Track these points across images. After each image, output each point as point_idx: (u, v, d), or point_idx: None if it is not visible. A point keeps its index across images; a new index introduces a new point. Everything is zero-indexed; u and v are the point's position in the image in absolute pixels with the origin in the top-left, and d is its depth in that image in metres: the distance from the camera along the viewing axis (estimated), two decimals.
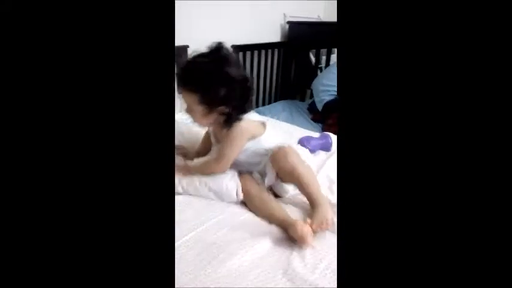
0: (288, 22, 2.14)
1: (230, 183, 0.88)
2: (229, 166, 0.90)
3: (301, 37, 2.11)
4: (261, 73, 2.07)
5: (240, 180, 0.89)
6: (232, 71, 0.78)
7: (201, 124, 0.92)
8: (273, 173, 0.88)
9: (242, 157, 0.91)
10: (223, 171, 0.90)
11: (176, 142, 1.10)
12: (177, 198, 0.88)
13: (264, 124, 0.94)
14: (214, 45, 0.80)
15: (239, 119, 0.85)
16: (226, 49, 0.81)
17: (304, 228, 0.70)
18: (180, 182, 0.91)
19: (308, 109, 2.04)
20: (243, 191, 0.87)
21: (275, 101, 2.25)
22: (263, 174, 0.92)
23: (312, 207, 0.81)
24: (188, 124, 1.14)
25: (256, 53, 1.97)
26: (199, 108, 0.82)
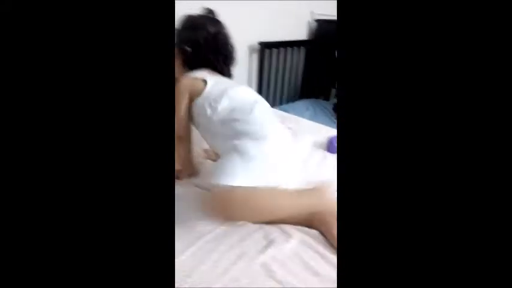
0: (316, 20, 2.11)
1: None
2: (180, 128, 0.86)
3: (329, 35, 2.08)
4: (286, 70, 2.07)
5: None
6: (201, 21, 0.88)
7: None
8: None
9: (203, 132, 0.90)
10: (179, 134, 0.87)
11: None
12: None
13: (204, 81, 0.86)
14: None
15: (196, 63, 0.88)
16: (212, 13, 0.91)
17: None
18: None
19: (333, 109, 2.01)
20: None
21: (299, 99, 2.23)
22: None
23: None
24: None
25: (282, 50, 1.96)
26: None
